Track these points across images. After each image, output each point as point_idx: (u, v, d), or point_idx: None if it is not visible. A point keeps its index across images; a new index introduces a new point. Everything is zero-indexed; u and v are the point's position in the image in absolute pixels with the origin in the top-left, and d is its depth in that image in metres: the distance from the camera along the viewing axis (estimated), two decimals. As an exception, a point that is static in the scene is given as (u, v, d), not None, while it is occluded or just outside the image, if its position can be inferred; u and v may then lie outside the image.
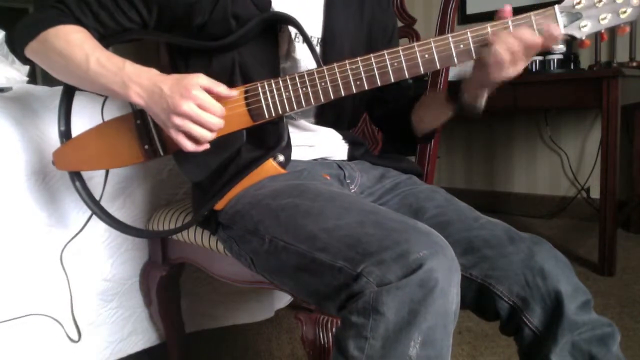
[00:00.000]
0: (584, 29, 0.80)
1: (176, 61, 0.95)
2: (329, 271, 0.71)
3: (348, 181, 0.98)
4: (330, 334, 0.87)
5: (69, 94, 0.99)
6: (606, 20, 0.79)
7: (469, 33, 0.80)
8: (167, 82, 0.81)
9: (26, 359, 1.08)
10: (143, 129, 0.91)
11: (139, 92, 0.82)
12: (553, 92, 2.11)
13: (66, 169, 0.99)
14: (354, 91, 0.84)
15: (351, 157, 1.05)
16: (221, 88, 0.83)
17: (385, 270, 0.66)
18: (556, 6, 0.79)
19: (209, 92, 0.82)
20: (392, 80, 0.83)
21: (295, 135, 0.96)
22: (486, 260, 0.82)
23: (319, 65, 0.85)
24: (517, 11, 0.81)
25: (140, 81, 0.83)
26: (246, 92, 0.87)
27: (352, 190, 0.97)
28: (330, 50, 0.96)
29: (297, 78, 0.85)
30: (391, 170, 1.04)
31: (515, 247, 0.82)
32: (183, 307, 1.34)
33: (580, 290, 0.80)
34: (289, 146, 0.92)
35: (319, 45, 0.97)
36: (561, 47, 2.26)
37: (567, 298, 0.78)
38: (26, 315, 1.07)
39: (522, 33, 0.77)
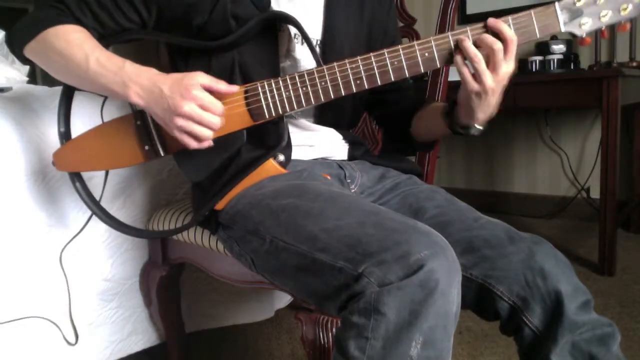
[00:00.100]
0: (585, 26, 0.80)
1: (176, 61, 0.95)
2: (330, 271, 0.71)
3: (348, 181, 0.98)
4: (330, 334, 0.87)
5: (68, 95, 0.99)
6: (607, 17, 0.79)
7: (469, 31, 0.80)
8: (166, 82, 0.81)
9: (24, 360, 1.08)
10: (143, 130, 0.91)
11: (138, 92, 0.82)
12: (553, 92, 2.11)
13: (66, 170, 0.98)
14: (354, 90, 0.84)
15: (351, 157, 1.04)
16: (221, 85, 0.83)
17: (386, 270, 0.66)
18: (557, 3, 0.79)
19: (210, 90, 0.82)
20: (393, 79, 0.83)
21: (296, 135, 0.96)
22: (486, 260, 0.82)
23: (318, 64, 0.85)
24: (517, 10, 0.81)
25: (140, 81, 0.83)
26: (246, 92, 0.86)
27: (353, 190, 0.97)
28: (330, 50, 0.96)
29: (297, 78, 0.85)
30: (391, 170, 1.04)
31: (516, 247, 0.82)
32: (183, 307, 1.34)
33: (581, 290, 0.80)
34: (289, 146, 0.91)
35: (318, 46, 0.97)
36: (561, 47, 2.26)
37: (567, 298, 0.77)
38: (24, 318, 1.07)
39: (483, 37, 0.78)
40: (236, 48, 0.90)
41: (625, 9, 0.78)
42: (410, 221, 0.73)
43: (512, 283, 0.81)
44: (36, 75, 3.25)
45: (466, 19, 2.92)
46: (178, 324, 1.32)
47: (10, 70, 1.73)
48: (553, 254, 0.82)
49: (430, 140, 1.08)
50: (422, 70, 0.83)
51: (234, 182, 0.89)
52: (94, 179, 1.07)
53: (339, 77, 0.83)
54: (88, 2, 0.90)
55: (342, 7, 0.99)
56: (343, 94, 0.84)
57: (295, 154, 0.94)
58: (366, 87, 0.83)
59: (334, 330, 0.86)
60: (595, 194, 2.61)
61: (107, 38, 0.93)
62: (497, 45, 0.78)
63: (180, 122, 0.80)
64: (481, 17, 0.78)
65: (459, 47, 0.80)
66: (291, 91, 0.85)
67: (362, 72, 0.83)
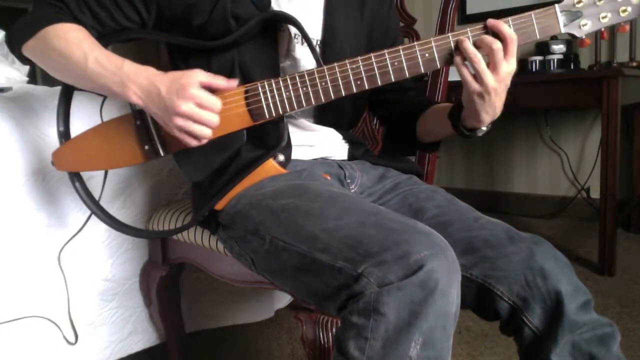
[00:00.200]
0: (584, 27, 0.80)
1: (176, 61, 0.95)
2: (329, 271, 0.71)
3: (348, 181, 0.98)
4: (330, 334, 0.87)
5: (67, 94, 0.99)
6: (606, 18, 0.79)
7: (469, 31, 0.80)
8: (164, 82, 0.81)
9: (24, 360, 1.08)
10: (143, 130, 0.91)
11: (137, 92, 0.82)
12: (553, 92, 2.11)
13: (65, 170, 0.98)
14: (355, 91, 0.84)
15: (351, 157, 1.04)
16: (220, 81, 0.83)
17: (385, 270, 0.65)
18: (557, 5, 0.79)
19: (209, 86, 0.82)
20: (393, 80, 0.83)
21: (296, 135, 0.96)
22: (486, 260, 0.82)
23: (319, 64, 0.85)
24: (517, 10, 0.81)
25: (138, 81, 0.82)
26: (246, 92, 0.86)
27: (353, 190, 0.97)
28: (330, 50, 0.96)
29: (297, 78, 0.85)
30: (391, 170, 1.04)
31: (516, 247, 0.82)
32: (183, 307, 1.34)
33: (581, 290, 0.80)
34: (289, 146, 0.91)
35: (318, 46, 0.97)
36: (561, 48, 2.27)
37: (567, 298, 0.77)
38: (24, 317, 1.07)
39: (482, 38, 0.78)
40: (236, 48, 0.89)
41: (624, 11, 0.79)
42: (410, 221, 0.73)
43: (512, 283, 0.81)
44: (36, 75, 3.25)
45: (466, 19, 2.93)
46: (178, 324, 1.32)
47: (10, 70, 1.73)
48: (553, 254, 0.82)
49: (435, 141, 1.07)
50: (423, 71, 0.83)
51: (234, 182, 0.89)
52: (94, 179, 1.07)
53: (339, 78, 0.83)
54: (87, 0, 0.89)
55: (342, 7, 0.99)
56: (343, 94, 0.84)
57: (295, 154, 0.94)
58: (366, 87, 0.83)
59: (334, 330, 0.86)
60: (595, 194, 2.61)
61: (106, 37, 0.93)
62: (496, 44, 0.78)
63: (180, 121, 0.80)
64: (481, 17, 0.79)
65: (459, 48, 0.80)
66: (291, 91, 0.85)
67: (363, 72, 0.83)
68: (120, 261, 1.23)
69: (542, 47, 2.32)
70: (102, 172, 1.02)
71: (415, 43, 0.82)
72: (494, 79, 0.79)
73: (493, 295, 0.82)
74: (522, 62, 2.31)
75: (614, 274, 1.99)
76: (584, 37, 0.80)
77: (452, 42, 0.81)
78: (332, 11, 0.97)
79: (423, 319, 0.64)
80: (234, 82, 0.84)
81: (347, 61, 0.83)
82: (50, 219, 1.10)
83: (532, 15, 0.80)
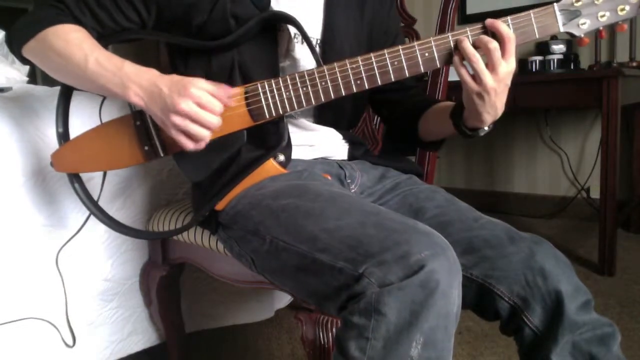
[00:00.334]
0: (583, 26, 0.80)
1: (175, 61, 0.95)
2: (330, 272, 0.71)
3: (348, 181, 0.98)
4: (330, 334, 0.87)
5: (66, 96, 0.99)
6: (605, 17, 0.79)
7: (468, 31, 0.80)
8: (166, 82, 0.81)
9: (23, 362, 1.08)
10: (143, 130, 0.91)
11: (138, 93, 0.82)
12: (553, 92, 2.11)
13: (65, 171, 0.98)
14: (355, 90, 0.84)
15: (351, 157, 1.04)
16: (221, 92, 0.81)
17: (386, 271, 0.65)
18: (555, 4, 0.79)
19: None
20: (393, 79, 0.83)
21: (296, 135, 0.96)
22: (486, 260, 0.82)
23: (318, 64, 0.85)
24: (517, 10, 0.81)
25: (139, 81, 0.82)
26: (246, 92, 0.86)
27: (353, 190, 0.97)
28: (329, 50, 0.96)
29: (297, 78, 0.85)
30: (391, 170, 1.04)
31: (516, 247, 0.82)
32: (183, 307, 1.34)
33: (581, 290, 0.80)
34: (289, 146, 0.91)
35: (318, 45, 0.97)
36: (561, 47, 2.27)
37: (567, 298, 0.77)
38: (23, 319, 1.07)
39: (481, 38, 0.78)
40: (236, 48, 0.89)
41: (622, 10, 0.79)
42: (411, 221, 0.73)
43: (512, 283, 0.81)
44: (36, 75, 3.25)
45: (466, 19, 2.93)
46: (178, 324, 1.32)
47: (10, 70, 1.73)
48: (553, 254, 0.82)
49: (437, 140, 1.06)
50: (422, 71, 0.83)
51: (234, 182, 0.89)
52: (94, 180, 1.07)
53: (339, 77, 0.83)
54: (87, 1, 0.89)
55: (342, 7, 0.99)
56: (343, 94, 0.84)
57: (296, 154, 0.94)
58: (366, 87, 0.83)
59: (334, 330, 0.86)
60: (595, 194, 2.61)
61: (106, 38, 0.93)
62: (492, 44, 0.77)
63: (177, 120, 0.79)
64: (481, 17, 0.79)
65: (458, 48, 0.80)
66: (291, 91, 0.85)
67: (363, 72, 0.83)
68: (120, 261, 1.23)
69: (542, 47, 2.32)
70: (101, 173, 1.02)
71: (415, 43, 0.82)
72: (493, 79, 0.79)
73: (493, 295, 0.82)
74: (522, 62, 2.31)
75: (614, 274, 1.99)
76: (582, 35, 0.80)
77: (451, 41, 0.81)
78: (333, 10, 0.97)
79: (424, 319, 0.64)
80: (234, 89, 0.84)
81: (347, 61, 0.83)
82: (50, 220, 1.10)
83: (531, 15, 0.80)
